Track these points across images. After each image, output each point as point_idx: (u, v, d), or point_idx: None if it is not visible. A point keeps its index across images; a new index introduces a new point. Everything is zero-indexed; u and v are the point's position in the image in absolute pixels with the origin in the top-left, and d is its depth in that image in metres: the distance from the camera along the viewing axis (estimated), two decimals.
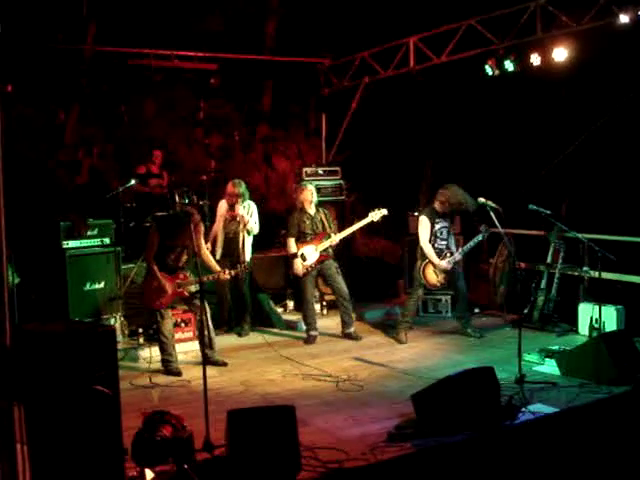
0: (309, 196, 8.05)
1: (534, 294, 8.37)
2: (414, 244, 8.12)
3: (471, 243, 7.82)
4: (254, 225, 8.27)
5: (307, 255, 8.00)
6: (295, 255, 8.03)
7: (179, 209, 7.17)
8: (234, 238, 8.24)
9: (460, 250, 7.88)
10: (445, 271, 7.81)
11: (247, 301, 8.46)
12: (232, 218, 8.27)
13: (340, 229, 8.31)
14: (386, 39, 10.16)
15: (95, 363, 3.90)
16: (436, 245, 7.86)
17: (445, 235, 7.94)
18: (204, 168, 10.72)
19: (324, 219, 8.09)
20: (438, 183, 8.36)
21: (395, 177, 11.31)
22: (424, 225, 7.84)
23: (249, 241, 8.28)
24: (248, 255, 8.21)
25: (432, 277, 7.82)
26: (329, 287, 8.46)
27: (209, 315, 6.79)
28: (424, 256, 7.84)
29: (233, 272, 7.09)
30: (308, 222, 8.03)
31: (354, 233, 8.64)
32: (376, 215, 7.98)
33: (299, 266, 8.00)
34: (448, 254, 7.86)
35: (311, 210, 8.08)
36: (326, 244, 7.97)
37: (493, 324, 8.70)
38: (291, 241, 8.06)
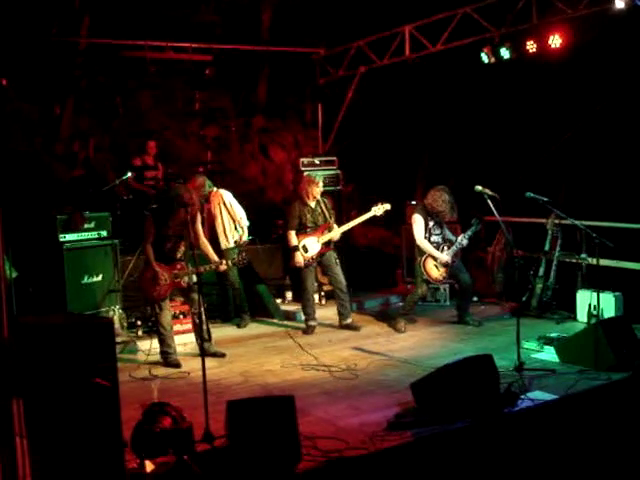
0: (316, 191, 7.95)
1: (532, 282, 8.38)
2: (412, 233, 8.08)
3: (466, 235, 7.78)
4: (242, 221, 8.28)
5: (309, 247, 7.95)
6: (296, 247, 7.96)
7: (170, 193, 6.91)
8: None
9: (457, 243, 7.82)
10: (446, 264, 7.79)
11: (239, 290, 8.40)
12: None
13: (337, 219, 8.27)
14: (381, 28, 10.11)
15: (93, 356, 3.89)
16: (432, 240, 7.82)
17: (438, 230, 7.91)
18: (201, 160, 10.70)
19: (324, 210, 8.03)
20: (435, 172, 8.34)
21: (392, 166, 11.28)
22: (418, 223, 7.82)
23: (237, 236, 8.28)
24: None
25: (434, 271, 7.79)
26: (327, 277, 8.45)
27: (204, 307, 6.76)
28: (422, 252, 7.83)
29: (231, 263, 7.07)
30: (309, 214, 7.97)
31: None
32: (379, 210, 7.94)
33: (300, 258, 7.95)
34: (446, 247, 7.84)
35: (312, 202, 8.04)
36: (328, 237, 7.94)
37: (491, 312, 8.71)
38: (291, 234, 7.98)
